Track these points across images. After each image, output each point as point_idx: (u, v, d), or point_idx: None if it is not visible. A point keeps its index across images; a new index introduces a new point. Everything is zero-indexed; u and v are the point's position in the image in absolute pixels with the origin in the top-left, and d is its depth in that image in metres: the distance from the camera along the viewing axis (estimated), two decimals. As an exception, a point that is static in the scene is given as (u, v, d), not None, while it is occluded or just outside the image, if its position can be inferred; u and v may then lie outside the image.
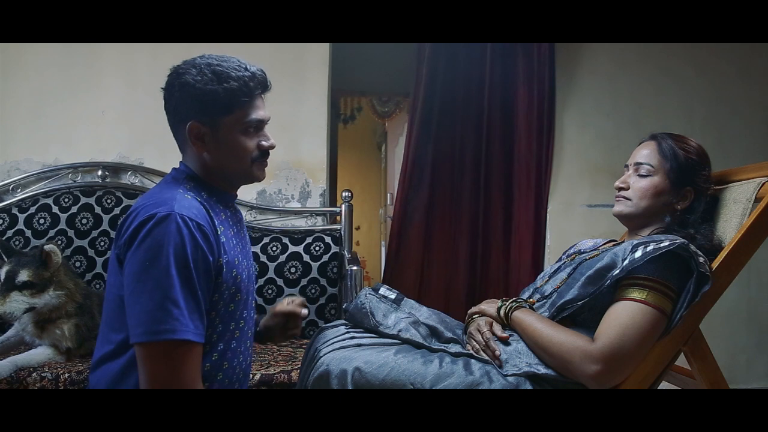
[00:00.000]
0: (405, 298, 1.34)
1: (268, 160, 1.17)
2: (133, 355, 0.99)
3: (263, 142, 1.13)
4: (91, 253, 2.20)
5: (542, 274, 1.43)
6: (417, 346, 1.19)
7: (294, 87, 2.45)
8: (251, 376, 1.70)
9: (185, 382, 0.97)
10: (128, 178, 2.34)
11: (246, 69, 1.08)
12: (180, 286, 0.96)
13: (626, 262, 1.12)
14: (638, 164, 1.29)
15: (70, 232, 2.20)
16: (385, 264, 2.65)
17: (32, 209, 2.19)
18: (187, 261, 0.97)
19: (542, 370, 1.12)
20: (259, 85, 1.10)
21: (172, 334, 0.94)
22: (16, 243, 2.13)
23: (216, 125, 1.07)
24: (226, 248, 1.06)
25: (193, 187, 1.10)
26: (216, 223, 1.05)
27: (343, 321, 1.33)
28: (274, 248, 2.29)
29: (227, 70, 1.06)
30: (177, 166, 1.16)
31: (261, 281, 2.26)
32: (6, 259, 1.72)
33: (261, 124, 1.12)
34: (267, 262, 2.27)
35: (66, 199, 2.22)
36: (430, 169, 2.62)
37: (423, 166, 2.62)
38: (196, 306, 0.98)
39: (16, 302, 1.65)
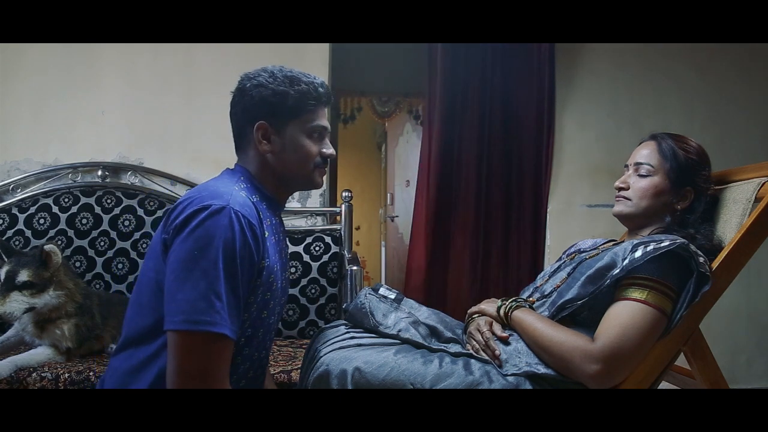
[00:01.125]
0: (405, 298, 1.34)
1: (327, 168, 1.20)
2: (162, 342, 0.98)
3: (325, 150, 1.17)
4: (91, 253, 2.20)
5: (542, 273, 1.43)
6: (417, 346, 1.19)
7: (294, 87, 2.45)
8: (251, 376, 1.71)
9: (215, 377, 0.96)
10: (128, 178, 2.34)
11: (315, 78, 1.14)
12: (225, 280, 0.95)
13: (626, 261, 1.12)
14: (638, 164, 1.29)
15: (70, 232, 2.20)
16: (415, 270, 2.62)
17: (32, 209, 2.19)
18: (234, 256, 0.97)
19: (542, 369, 1.12)
20: (325, 94, 1.15)
21: (212, 326, 0.93)
22: (16, 243, 2.12)
23: (283, 127, 1.12)
24: (269, 252, 1.07)
25: (247, 188, 1.11)
26: (264, 225, 1.07)
27: (343, 321, 1.33)
28: (274, 248, 2.29)
29: (298, 76, 1.12)
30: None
31: (261, 281, 2.26)
32: (6, 259, 1.72)
33: (325, 131, 1.16)
34: (267, 262, 2.27)
35: (66, 199, 2.22)
36: (434, 170, 2.62)
37: (442, 166, 2.62)
38: (236, 303, 0.98)
39: (16, 302, 1.65)
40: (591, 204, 2.74)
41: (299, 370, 1.35)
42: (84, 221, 2.21)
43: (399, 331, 1.22)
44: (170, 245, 0.99)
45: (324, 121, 1.16)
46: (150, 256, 1.06)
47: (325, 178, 2.41)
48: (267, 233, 1.08)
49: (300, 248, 2.30)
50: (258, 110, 1.11)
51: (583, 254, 1.31)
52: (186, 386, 0.94)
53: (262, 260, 1.04)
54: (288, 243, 1.28)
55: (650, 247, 1.12)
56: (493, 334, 1.20)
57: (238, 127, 1.15)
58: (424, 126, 2.68)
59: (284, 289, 1.20)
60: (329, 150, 1.17)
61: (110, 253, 2.21)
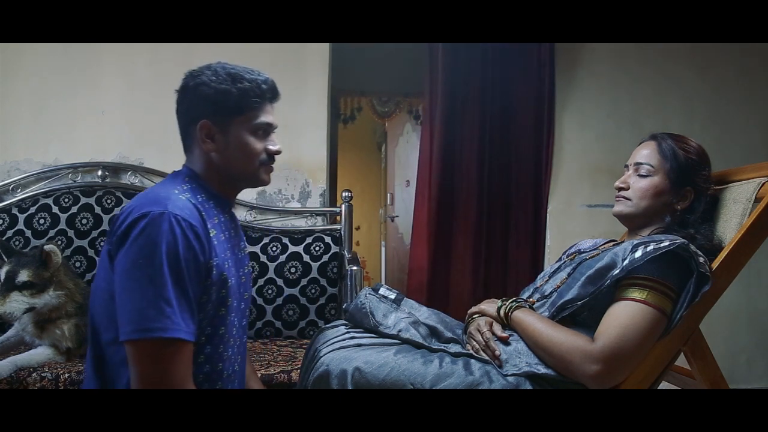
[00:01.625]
0: (405, 298, 1.34)
1: (273, 165, 1.19)
2: (124, 353, 0.99)
3: (271, 146, 1.16)
4: (91, 253, 2.20)
5: (542, 273, 1.43)
6: (417, 346, 1.19)
7: (294, 87, 2.45)
8: (251, 376, 1.71)
9: (176, 381, 0.97)
10: (128, 178, 2.34)
11: (259, 74, 1.13)
12: (172, 284, 0.96)
13: (626, 261, 1.12)
14: (638, 164, 1.29)
15: (70, 232, 2.20)
16: (430, 267, 2.62)
17: (32, 209, 2.19)
18: (179, 260, 0.97)
19: (542, 370, 1.12)
20: (269, 90, 1.14)
21: (164, 332, 0.94)
22: (16, 243, 2.13)
23: (227, 125, 1.10)
24: (217, 251, 1.06)
25: (191, 188, 1.10)
26: (208, 225, 1.06)
27: (343, 321, 1.33)
28: (274, 248, 2.29)
29: (241, 73, 1.10)
30: (179, 166, 1.17)
31: (261, 281, 2.26)
32: (6, 259, 1.72)
33: (270, 128, 1.15)
34: (267, 262, 2.27)
35: (66, 199, 2.22)
36: (435, 170, 2.62)
37: (443, 166, 2.62)
38: (187, 305, 0.98)
39: (16, 302, 1.65)
40: (591, 204, 2.74)
41: (299, 370, 1.35)
42: (84, 221, 2.21)
43: (399, 331, 1.22)
44: (115, 256, 1.00)
45: (269, 118, 1.14)
46: (101, 266, 1.07)
47: (325, 178, 2.45)
48: (214, 231, 1.08)
49: (300, 248, 2.30)
50: (201, 109, 1.10)
51: (583, 254, 1.32)
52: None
53: (209, 260, 1.04)
54: (242, 237, 1.27)
55: (650, 248, 1.12)
56: (493, 334, 1.20)
57: (183, 126, 1.14)
58: (424, 126, 2.68)
59: (244, 284, 1.19)
60: (275, 147, 1.16)
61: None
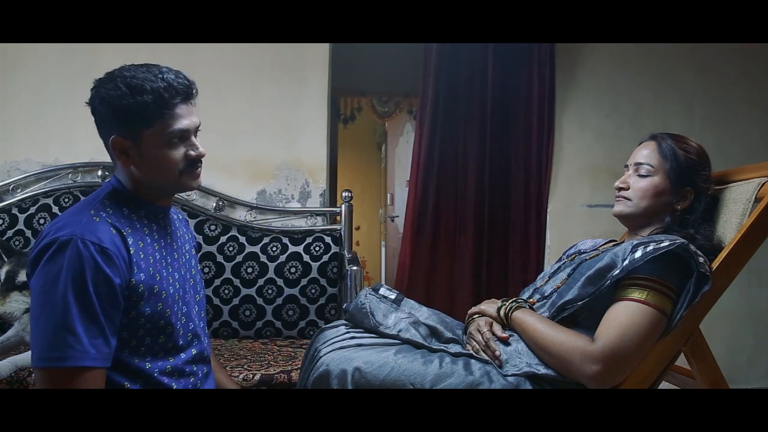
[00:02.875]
0: (405, 298, 1.34)
1: (201, 168, 1.14)
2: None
3: (191, 152, 1.09)
4: (91, 253, 2.20)
5: (542, 274, 1.43)
6: (417, 346, 1.19)
7: (294, 87, 2.45)
8: (251, 376, 1.71)
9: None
10: (128, 178, 2.33)
11: (162, 79, 1.04)
12: (78, 311, 0.95)
13: (626, 262, 1.12)
14: (638, 164, 1.29)
15: (70, 232, 2.19)
16: (401, 266, 2.62)
17: (32, 209, 2.19)
18: (85, 286, 0.96)
19: (542, 370, 1.12)
20: (177, 94, 1.06)
21: (63, 362, 0.94)
22: (16, 243, 2.13)
23: (138, 139, 1.05)
24: (142, 266, 1.04)
25: (114, 203, 1.08)
26: (131, 241, 1.04)
27: (343, 321, 1.33)
28: (274, 248, 2.29)
29: (141, 83, 1.02)
30: None
31: (261, 281, 2.26)
32: (6, 259, 1.72)
33: (186, 133, 1.08)
34: (267, 262, 2.27)
35: (66, 199, 2.22)
36: (436, 170, 2.62)
37: (429, 167, 2.62)
38: (98, 330, 0.97)
39: (16, 302, 1.65)
40: (591, 204, 2.74)
41: (299, 370, 1.35)
42: (84, 221, 2.21)
43: (399, 331, 1.22)
44: (29, 281, 1.01)
45: (183, 123, 1.06)
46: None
47: (325, 178, 2.45)
48: (142, 244, 1.06)
49: (300, 248, 2.30)
50: (109, 125, 1.05)
51: (583, 255, 1.32)
52: None
53: (130, 279, 1.02)
54: (189, 240, 1.25)
55: (650, 248, 1.12)
56: (494, 334, 1.20)
57: (102, 139, 1.09)
58: (416, 126, 2.68)
59: (192, 287, 1.18)
60: (195, 151, 1.10)
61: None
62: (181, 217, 1.29)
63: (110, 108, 1.03)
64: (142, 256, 1.05)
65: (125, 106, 1.02)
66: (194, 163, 1.11)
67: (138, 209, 1.11)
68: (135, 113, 1.03)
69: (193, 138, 1.11)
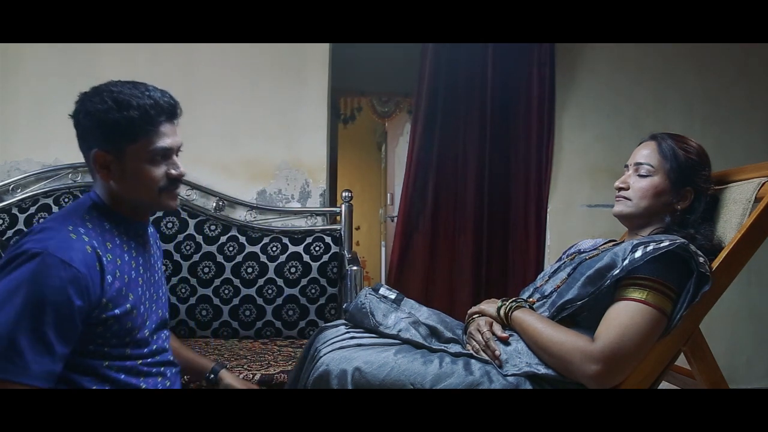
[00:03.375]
0: (405, 298, 1.34)
1: (179, 189, 1.15)
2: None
3: (172, 171, 1.10)
4: (91, 253, 2.20)
5: (542, 273, 1.43)
6: (417, 346, 1.19)
7: (294, 87, 2.45)
8: (251, 376, 1.71)
9: None
10: (128, 178, 2.33)
11: (149, 96, 1.05)
12: (28, 328, 0.93)
13: (626, 261, 1.12)
14: (638, 164, 1.29)
15: (70, 232, 2.19)
16: (390, 265, 2.63)
17: (32, 209, 2.19)
18: (41, 304, 0.94)
19: (542, 370, 1.12)
20: (163, 112, 1.07)
21: (2, 373, 0.92)
22: (16, 243, 2.12)
23: (121, 154, 1.05)
24: (115, 285, 1.04)
25: (94, 217, 1.07)
26: (105, 261, 1.03)
27: (343, 321, 1.33)
28: (274, 248, 2.29)
29: (128, 98, 1.03)
30: None
31: (261, 281, 2.26)
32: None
33: (168, 152, 1.09)
34: (267, 262, 2.28)
35: (66, 199, 2.22)
36: (434, 169, 2.62)
37: (427, 167, 2.62)
38: (45, 349, 0.95)
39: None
40: (591, 204, 2.74)
41: (293, 368, 1.35)
42: (84, 221, 2.21)
43: (399, 331, 1.22)
44: None
45: (166, 141, 1.07)
46: None
47: (325, 178, 2.45)
48: (119, 262, 1.06)
49: (300, 248, 2.30)
50: (92, 139, 1.05)
51: (583, 255, 1.32)
52: None
53: (100, 299, 1.01)
54: (160, 252, 1.27)
55: (650, 248, 1.12)
56: (493, 334, 1.20)
57: (83, 152, 1.09)
58: (411, 126, 2.68)
59: (156, 301, 1.18)
60: (176, 171, 1.10)
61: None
62: (152, 231, 1.27)
63: (95, 122, 1.03)
64: (117, 275, 1.05)
65: (111, 120, 1.02)
66: (174, 182, 1.11)
67: (118, 225, 1.10)
68: (120, 128, 1.03)
69: (174, 157, 1.11)
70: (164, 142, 1.07)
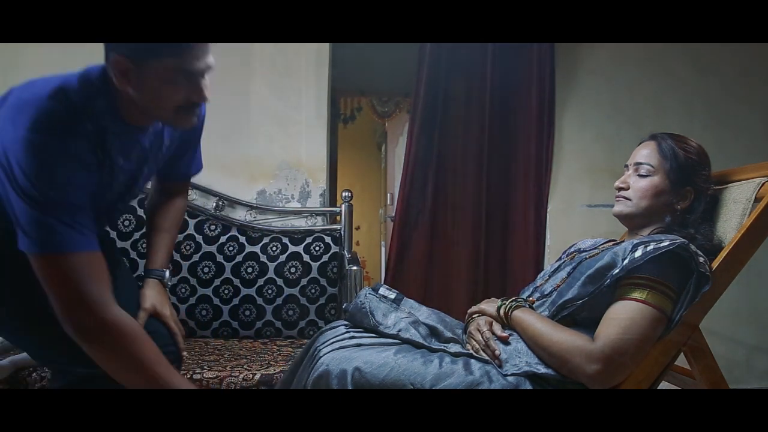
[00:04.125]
0: (405, 298, 1.34)
1: (197, 113, 1.10)
2: None
3: (193, 96, 1.05)
4: (91, 253, 2.20)
5: (542, 273, 1.43)
6: (417, 346, 1.19)
7: (294, 87, 2.45)
8: (251, 376, 1.71)
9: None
10: (128, 178, 2.33)
11: None
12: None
13: (626, 261, 1.12)
14: (638, 164, 1.29)
15: (70, 232, 2.19)
16: (387, 265, 2.64)
17: (32, 209, 2.19)
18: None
19: (542, 369, 1.12)
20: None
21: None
22: (16, 243, 2.12)
23: (142, 65, 1.01)
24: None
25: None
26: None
27: (343, 321, 1.33)
28: (274, 248, 2.29)
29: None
30: None
31: (261, 281, 2.26)
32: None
33: (195, 75, 1.04)
34: (267, 262, 2.27)
35: (66, 199, 2.22)
36: (434, 169, 2.62)
37: (425, 166, 2.62)
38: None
39: (16, 302, 1.64)
40: (591, 204, 2.74)
41: (290, 368, 1.34)
42: (84, 221, 2.21)
43: (399, 331, 1.22)
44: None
45: (196, 65, 1.02)
46: None
47: (325, 178, 2.45)
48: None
49: (300, 248, 2.30)
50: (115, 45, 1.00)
51: (583, 254, 1.32)
52: None
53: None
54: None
55: (650, 247, 1.12)
56: (493, 333, 1.20)
57: (105, 59, 1.04)
58: (408, 126, 2.68)
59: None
60: (198, 96, 1.05)
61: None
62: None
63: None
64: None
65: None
66: (194, 106, 1.07)
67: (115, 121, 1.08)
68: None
69: (200, 80, 1.05)
70: (193, 64, 1.02)
